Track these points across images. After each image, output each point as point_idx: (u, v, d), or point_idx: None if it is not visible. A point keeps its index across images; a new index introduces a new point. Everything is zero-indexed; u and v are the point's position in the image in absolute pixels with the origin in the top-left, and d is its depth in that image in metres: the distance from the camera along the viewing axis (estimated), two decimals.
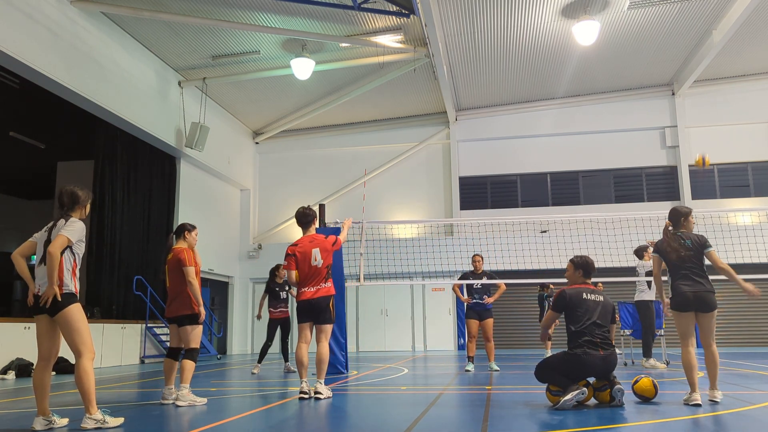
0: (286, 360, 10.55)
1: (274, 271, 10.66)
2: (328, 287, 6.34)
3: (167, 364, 5.95)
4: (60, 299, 4.39)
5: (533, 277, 13.57)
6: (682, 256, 5.48)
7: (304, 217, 6.57)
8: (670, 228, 5.68)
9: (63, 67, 11.69)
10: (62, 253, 4.44)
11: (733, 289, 17.70)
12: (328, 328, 6.35)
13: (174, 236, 6.20)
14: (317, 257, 6.30)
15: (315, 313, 6.26)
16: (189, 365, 5.82)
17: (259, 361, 10.38)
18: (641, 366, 9.71)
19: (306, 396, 6.05)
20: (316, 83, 16.68)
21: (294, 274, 6.32)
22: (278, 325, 10.52)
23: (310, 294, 6.24)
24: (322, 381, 6.19)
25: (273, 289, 10.61)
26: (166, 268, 6.04)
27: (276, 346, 12.59)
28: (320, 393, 6.04)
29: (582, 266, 5.67)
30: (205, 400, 5.95)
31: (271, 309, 10.55)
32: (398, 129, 19.85)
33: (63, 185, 4.84)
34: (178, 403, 5.68)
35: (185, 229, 6.23)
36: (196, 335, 5.91)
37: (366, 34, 14.09)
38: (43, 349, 4.53)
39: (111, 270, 14.35)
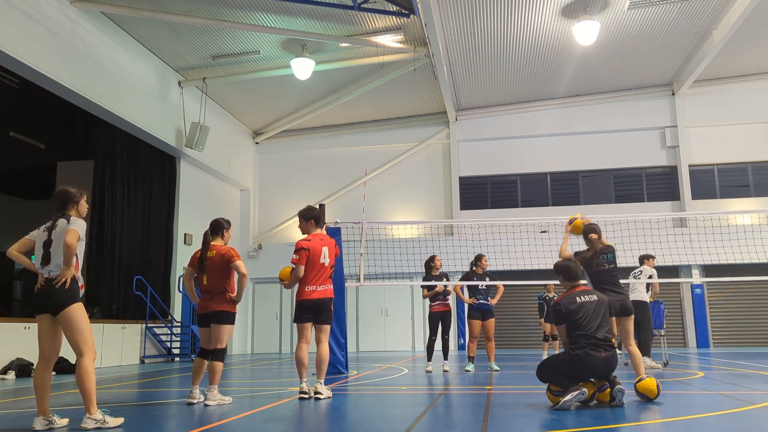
0: (446, 357, 9.71)
1: (430, 263, 9.85)
2: (330, 289, 6.36)
3: (197, 363, 5.88)
4: (68, 286, 4.42)
5: (533, 277, 13.58)
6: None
7: (313, 211, 6.52)
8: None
9: (63, 67, 11.69)
10: None
11: (733, 289, 17.75)
12: (328, 328, 6.37)
13: (210, 233, 6.02)
14: (326, 255, 6.30)
15: (317, 313, 6.25)
16: (218, 366, 5.80)
17: (429, 359, 9.71)
18: None
19: (306, 396, 6.04)
20: (316, 83, 16.67)
21: (302, 269, 6.21)
22: (439, 318, 9.73)
23: (318, 294, 6.21)
24: (322, 381, 6.18)
25: (430, 282, 9.78)
26: (206, 266, 5.87)
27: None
28: (320, 393, 6.03)
29: (559, 271, 5.66)
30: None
31: (430, 302, 9.76)
32: (398, 129, 19.85)
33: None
34: (208, 402, 5.70)
35: (223, 227, 6.08)
36: (227, 334, 5.87)
37: (366, 34, 14.09)
38: (44, 349, 4.52)
39: (111, 270, 14.34)
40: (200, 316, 5.94)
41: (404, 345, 18.66)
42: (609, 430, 4.23)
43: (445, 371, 9.28)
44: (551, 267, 5.92)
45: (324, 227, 6.64)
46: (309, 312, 6.24)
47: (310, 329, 6.30)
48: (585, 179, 19.05)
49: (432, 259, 9.85)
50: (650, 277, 10.00)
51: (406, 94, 17.94)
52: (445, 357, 9.73)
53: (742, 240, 14.27)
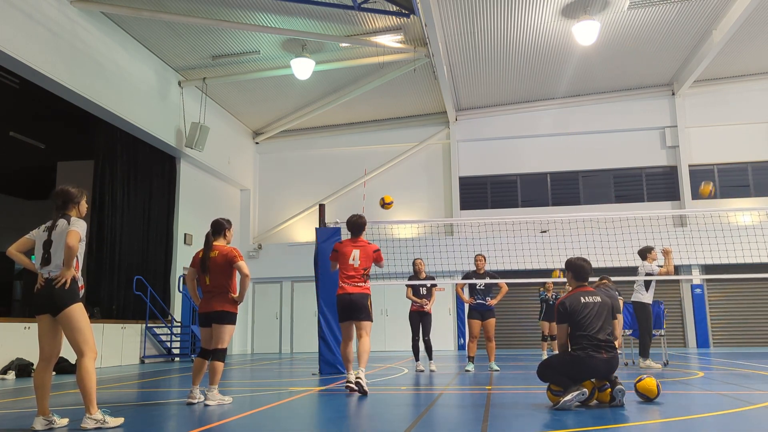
0: (430, 358, 9.93)
1: (413, 267, 10.19)
2: (365, 286, 6.72)
3: (198, 363, 5.88)
4: (68, 287, 4.42)
5: (533, 277, 13.57)
6: None
7: (357, 226, 6.98)
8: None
9: (63, 67, 11.69)
10: None
11: (733, 289, 17.73)
12: (367, 325, 6.67)
13: (212, 234, 6.02)
14: (356, 257, 6.74)
15: (353, 310, 6.60)
16: (219, 366, 5.81)
17: (417, 359, 9.90)
18: (638, 366, 9.69)
19: (353, 386, 6.37)
20: (316, 83, 16.67)
21: (334, 264, 6.99)
22: (418, 318, 9.96)
23: (348, 289, 6.64)
24: (364, 368, 6.49)
25: (413, 284, 10.06)
26: (208, 266, 5.88)
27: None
28: (360, 379, 6.34)
29: (570, 268, 5.65)
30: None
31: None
32: (398, 129, 19.85)
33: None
34: (208, 402, 5.70)
35: (224, 227, 6.11)
36: (228, 334, 5.88)
37: (366, 34, 14.09)
38: (44, 349, 4.52)
39: (111, 270, 14.34)
40: (201, 315, 5.94)
41: (404, 345, 18.60)
42: (609, 430, 4.24)
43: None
44: (551, 267, 5.93)
45: (363, 234, 7.02)
46: (345, 309, 6.64)
47: (351, 328, 6.70)
48: (585, 179, 19.05)
49: (413, 262, 10.24)
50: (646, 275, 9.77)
51: (406, 94, 17.94)
52: (430, 357, 9.87)
53: (744, 240, 14.27)
